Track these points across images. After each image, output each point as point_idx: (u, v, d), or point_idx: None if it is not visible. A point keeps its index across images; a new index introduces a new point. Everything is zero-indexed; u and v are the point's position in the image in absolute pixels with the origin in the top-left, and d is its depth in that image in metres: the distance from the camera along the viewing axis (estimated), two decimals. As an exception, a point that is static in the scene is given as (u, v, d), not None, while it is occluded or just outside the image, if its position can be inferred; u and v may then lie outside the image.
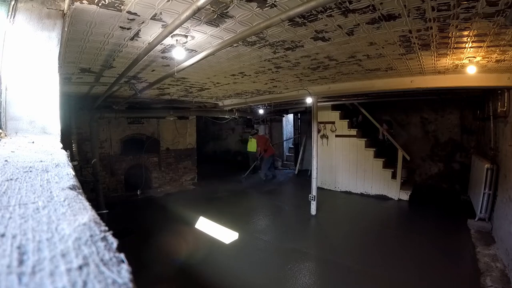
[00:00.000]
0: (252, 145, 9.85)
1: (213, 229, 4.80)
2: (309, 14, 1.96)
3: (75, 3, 1.68)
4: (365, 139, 7.17)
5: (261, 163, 9.38)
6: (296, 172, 9.88)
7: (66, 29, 1.66)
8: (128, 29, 2.20)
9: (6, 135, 1.29)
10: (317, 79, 4.53)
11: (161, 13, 1.92)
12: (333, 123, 7.53)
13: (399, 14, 1.94)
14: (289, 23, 2.16)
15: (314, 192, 5.53)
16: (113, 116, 6.66)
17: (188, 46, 2.62)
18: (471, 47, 2.65)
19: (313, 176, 5.55)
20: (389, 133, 7.14)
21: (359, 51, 2.93)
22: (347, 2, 1.79)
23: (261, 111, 9.12)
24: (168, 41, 2.39)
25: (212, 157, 13.47)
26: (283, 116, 11.14)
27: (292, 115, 10.80)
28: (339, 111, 7.52)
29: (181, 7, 1.81)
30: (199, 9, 1.59)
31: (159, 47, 2.65)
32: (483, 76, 3.68)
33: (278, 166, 11.23)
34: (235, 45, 2.63)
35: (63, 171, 0.70)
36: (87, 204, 0.47)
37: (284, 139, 11.37)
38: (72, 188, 0.56)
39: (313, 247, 4.40)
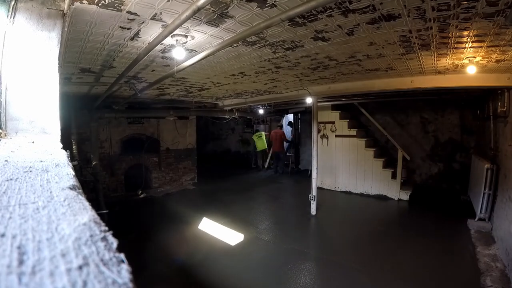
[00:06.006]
0: (261, 143, 10.13)
1: (217, 230, 4.79)
2: (309, 14, 1.96)
3: (75, 3, 1.68)
4: (365, 139, 7.17)
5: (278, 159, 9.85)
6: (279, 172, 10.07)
7: (66, 29, 1.66)
8: (128, 29, 2.20)
9: (6, 135, 1.29)
10: (317, 79, 4.53)
11: (161, 13, 1.92)
12: (333, 123, 7.53)
13: (399, 14, 1.94)
14: (289, 23, 2.16)
15: (314, 192, 5.53)
16: (113, 116, 6.66)
17: (188, 46, 2.62)
18: (471, 47, 2.65)
19: (313, 176, 5.55)
20: None
21: (359, 51, 2.93)
22: (347, 2, 1.79)
23: (261, 111, 9.13)
24: (168, 41, 2.39)
25: (212, 157, 13.47)
26: (283, 116, 11.14)
27: (292, 115, 10.80)
28: (339, 111, 7.52)
29: (181, 7, 1.81)
30: (199, 9, 1.59)
31: (159, 47, 2.65)
32: (483, 76, 3.68)
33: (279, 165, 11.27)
34: (235, 45, 2.63)
35: (63, 171, 0.70)
36: (87, 204, 0.47)
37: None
38: (72, 188, 0.56)
39: (313, 247, 4.40)
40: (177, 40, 2.37)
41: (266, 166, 10.61)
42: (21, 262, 0.29)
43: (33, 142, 1.20)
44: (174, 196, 7.42)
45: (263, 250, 4.24)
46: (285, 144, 10.31)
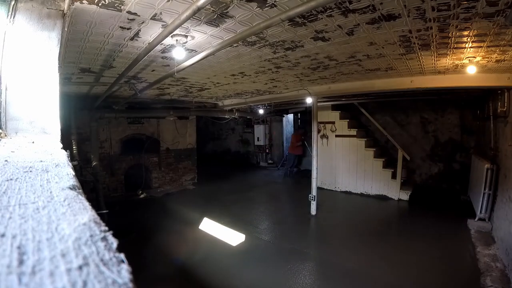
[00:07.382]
0: None
1: (217, 231, 4.78)
2: (309, 14, 1.96)
3: (75, 3, 1.68)
4: (365, 139, 7.17)
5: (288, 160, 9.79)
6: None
7: (66, 29, 1.66)
8: (128, 29, 2.20)
9: (6, 135, 1.29)
10: (317, 79, 4.53)
11: (161, 13, 1.92)
12: (333, 123, 7.53)
13: (399, 14, 1.94)
14: (289, 23, 2.16)
15: (314, 192, 5.53)
16: (113, 116, 6.66)
17: (188, 46, 2.62)
18: (471, 47, 2.65)
19: (313, 176, 5.55)
20: None
21: (359, 51, 2.93)
22: (347, 2, 1.79)
23: (261, 111, 9.12)
24: (168, 41, 2.39)
25: (212, 157, 13.48)
26: (283, 116, 11.14)
27: (292, 115, 10.80)
28: (339, 111, 7.52)
29: (181, 7, 1.81)
30: (199, 9, 1.59)
31: (159, 47, 2.65)
32: (483, 76, 3.68)
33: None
34: (235, 45, 2.63)
35: (63, 171, 0.70)
36: (87, 204, 0.47)
37: (284, 139, 11.38)
38: (72, 188, 0.56)
39: (313, 247, 4.40)
40: (177, 40, 2.37)
41: (278, 167, 10.91)
42: (21, 262, 0.29)
43: (33, 142, 1.20)
44: (174, 196, 7.43)
45: (263, 250, 4.24)
46: (286, 147, 10.34)
